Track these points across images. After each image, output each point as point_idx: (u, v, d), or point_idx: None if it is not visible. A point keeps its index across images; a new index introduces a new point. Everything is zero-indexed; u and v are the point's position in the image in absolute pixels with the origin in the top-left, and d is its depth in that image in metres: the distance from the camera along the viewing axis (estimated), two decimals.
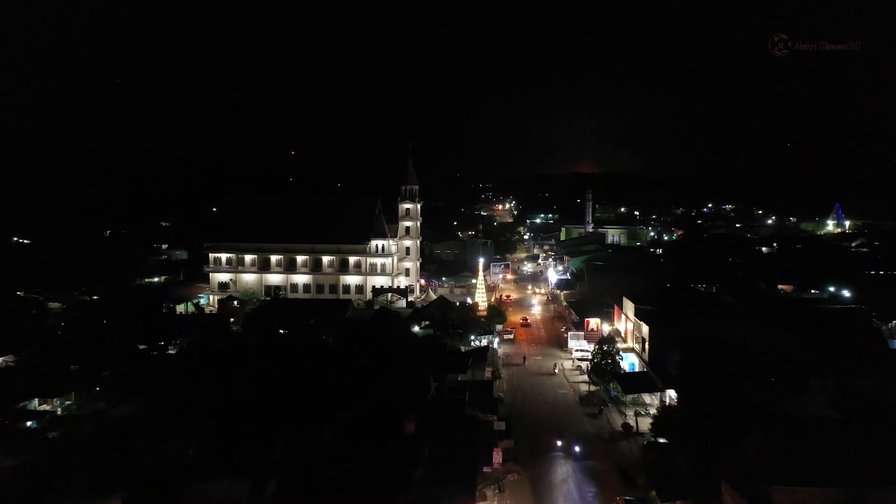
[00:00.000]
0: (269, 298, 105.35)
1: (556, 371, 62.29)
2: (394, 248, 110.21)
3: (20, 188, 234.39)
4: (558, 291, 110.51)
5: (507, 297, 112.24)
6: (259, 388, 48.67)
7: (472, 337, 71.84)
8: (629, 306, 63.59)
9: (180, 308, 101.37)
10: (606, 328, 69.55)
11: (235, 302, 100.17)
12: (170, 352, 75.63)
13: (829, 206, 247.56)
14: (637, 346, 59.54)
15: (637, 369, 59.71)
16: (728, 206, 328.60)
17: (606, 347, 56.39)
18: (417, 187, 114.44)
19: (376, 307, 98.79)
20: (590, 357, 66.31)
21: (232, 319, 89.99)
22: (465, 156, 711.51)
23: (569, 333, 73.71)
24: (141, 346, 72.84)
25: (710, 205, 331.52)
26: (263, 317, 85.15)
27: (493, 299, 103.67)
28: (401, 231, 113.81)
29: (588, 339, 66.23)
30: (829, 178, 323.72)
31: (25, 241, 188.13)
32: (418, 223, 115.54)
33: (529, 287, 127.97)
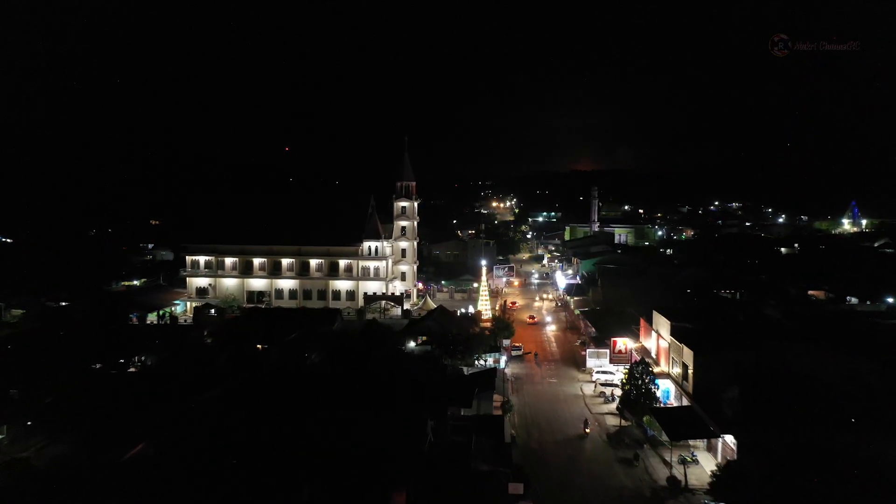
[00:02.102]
0: (251, 306, 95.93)
1: (588, 430, 47.12)
2: (388, 251, 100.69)
3: (8, 185, 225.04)
4: (568, 298, 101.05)
5: (513, 303, 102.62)
6: (214, 432, 39.32)
7: (476, 356, 62.33)
8: (662, 323, 54.03)
9: (152, 317, 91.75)
10: (631, 344, 59.91)
11: (213, 310, 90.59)
12: (131, 370, 66.75)
13: (839, 203, 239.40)
14: (675, 372, 50.04)
15: (672, 399, 50.28)
16: (734, 204, 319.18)
17: (639, 374, 46.85)
18: (414, 183, 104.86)
19: (368, 317, 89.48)
20: (615, 381, 56.90)
21: (206, 332, 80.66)
22: (462, 153, 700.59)
23: (587, 351, 64.11)
24: (96, 365, 63.66)
25: (716, 202, 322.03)
26: (239, 330, 75.90)
27: (497, 307, 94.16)
28: (396, 231, 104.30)
29: (615, 361, 56.53)
30: (830, 176, 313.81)
31: (8, 241, 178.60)
32: (415, 223, 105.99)
33: (536, 293, 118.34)
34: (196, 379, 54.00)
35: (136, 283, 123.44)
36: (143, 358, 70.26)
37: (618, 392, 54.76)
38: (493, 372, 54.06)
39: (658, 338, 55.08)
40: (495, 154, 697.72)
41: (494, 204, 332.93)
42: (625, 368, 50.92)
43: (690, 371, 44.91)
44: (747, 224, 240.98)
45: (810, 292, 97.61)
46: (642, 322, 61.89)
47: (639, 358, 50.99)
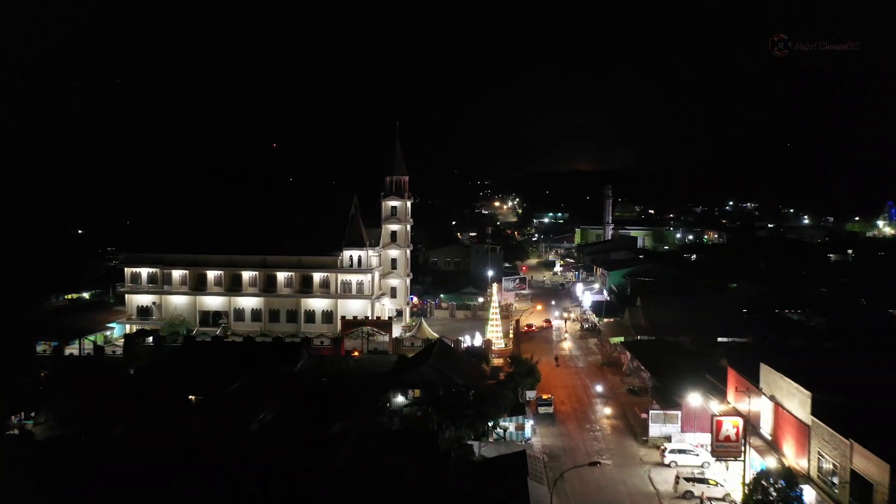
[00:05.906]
0: (202, 331, 76.79)
1: None
2: (375, 261, 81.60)
3: None
4: (596, 319, 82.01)
5: (529, 327, 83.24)
6: None
7: (493, 424, 43.18)
8: (785, 388, 34.78)
9: (88, 343, 72.13)
10: (716, 406, 40.66)
11: (150, 338, 71.29)
12: (12, 433, 48.36)
13: (860, 202, 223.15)
14: (817, 469, 30.93)
15: None
16: (749, 204, 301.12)
17: (773, 486, 27.68)
18: (407, 178, 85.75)
19: (348, 345, 70.41)
20: (702, 467, 38.03)
21: (133, 370, 61.97)
22: (460, 152, 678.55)
23: (649, 413, 44.91)
24: None
25: (730, 203, 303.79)
26: (170, 371, 57.39)
27: (509, 333, 75.14)
28: (385, 237, 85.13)
29: (720, 454, 36.92)
30: (843, 175, 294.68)
31: None
32: (408, 226, 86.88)
33: (555, 307, 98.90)
34: (88, 456, 36.24)
35: (85, 295, 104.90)
36: (33, 414, 51.89)
37: (713, 493, 35.72)
38: (520, 464, 34.65)
39: (776, 408, 35.78)
40: (494, 153, 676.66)
41: (496, 204, 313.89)
42: (754, 481, 31.64)
43: (878, 494, 25.73)
44: (770, 226, 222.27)
45: (892, 311, 79.59)
46: (731, 373, 42.57)
47: (766, 458, 31.65)
